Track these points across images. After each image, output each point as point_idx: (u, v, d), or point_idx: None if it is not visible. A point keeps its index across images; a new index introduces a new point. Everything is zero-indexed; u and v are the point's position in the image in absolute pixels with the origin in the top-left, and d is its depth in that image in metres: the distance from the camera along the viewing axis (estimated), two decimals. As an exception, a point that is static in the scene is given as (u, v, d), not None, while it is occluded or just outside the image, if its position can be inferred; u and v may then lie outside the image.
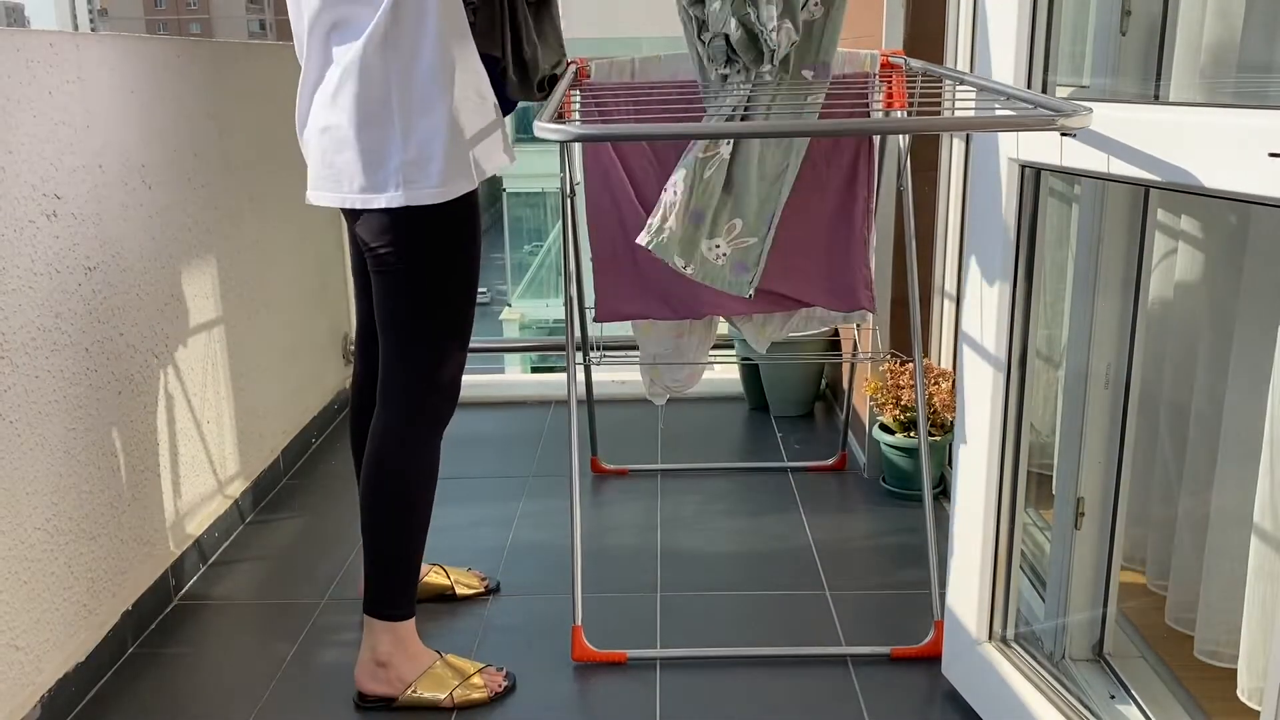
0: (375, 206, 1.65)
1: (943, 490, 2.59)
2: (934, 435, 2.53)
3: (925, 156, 2.61)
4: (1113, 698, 1.66)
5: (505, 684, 1.89)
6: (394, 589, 1.82)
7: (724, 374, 3.55)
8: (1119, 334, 1.62)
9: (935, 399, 2.50)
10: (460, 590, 2.19)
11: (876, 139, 2.27)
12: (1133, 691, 1.66)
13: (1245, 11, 1.47)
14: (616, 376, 3.50)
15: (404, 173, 1.62)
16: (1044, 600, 1.80)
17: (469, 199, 1.71)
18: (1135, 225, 1.59)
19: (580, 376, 2.79)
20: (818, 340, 3.16)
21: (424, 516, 1.83)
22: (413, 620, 1.86)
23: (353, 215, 1.73)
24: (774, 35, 1.84)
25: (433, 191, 1.64)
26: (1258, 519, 1.49)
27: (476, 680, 1.87)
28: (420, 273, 1.70)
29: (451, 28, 1.62)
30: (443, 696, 1.84)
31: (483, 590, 2.21)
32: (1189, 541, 1.75)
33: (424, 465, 1.79)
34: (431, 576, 2.18)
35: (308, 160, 1.74)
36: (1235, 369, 1.60)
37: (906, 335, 2.62)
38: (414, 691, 1.83)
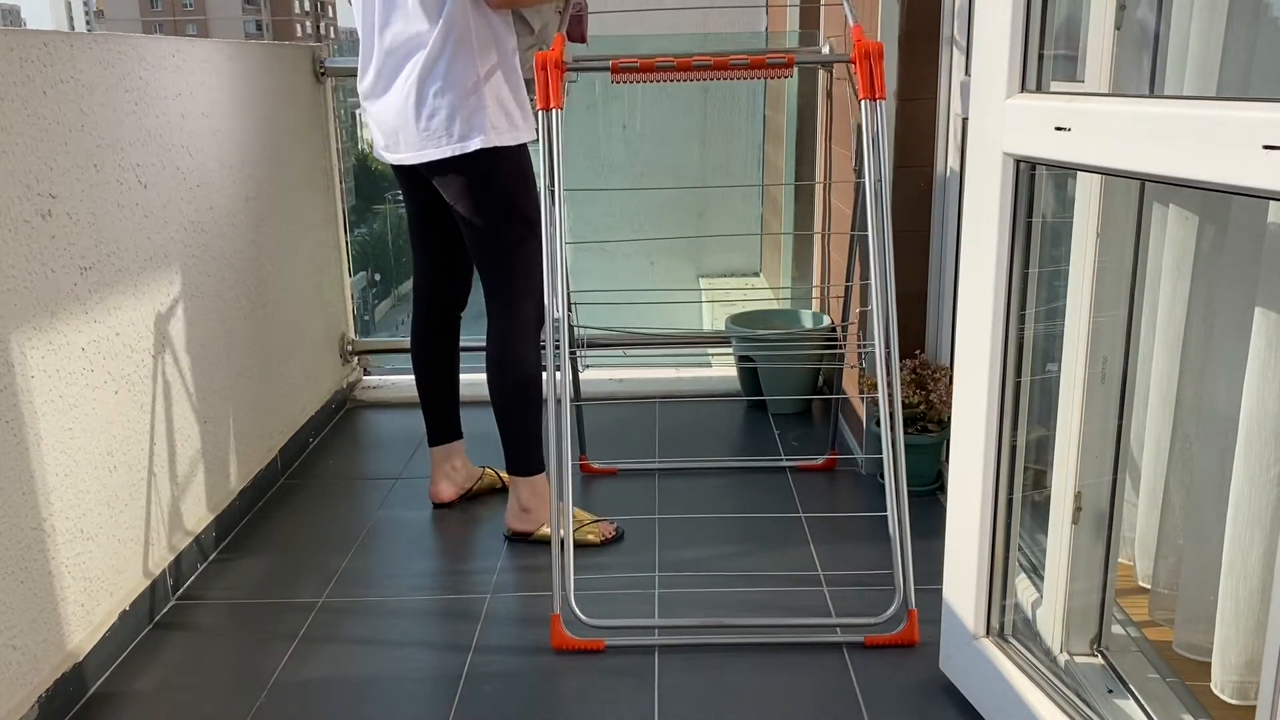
0: (508, 143, 2.15)
1: (940, 486, 2.59)
2: (932, 431, 2.53)
3: (921, 153, 2.61)
4: (1110, 692, 1.66)
5: (614, 533, 2.40)
6: (529, 450, 2.32)
7: (721, 372, 3.55)
8: (1115, 328, 1.62)
9: (933, 395, 2.51)
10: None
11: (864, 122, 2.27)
12: (1131, 686, 1.66)
13: (1232, 6, 1.47)
14: (608, 375, 3.50)
15: (521, 115, 2.18)
16: (1041, 595, 1.80)
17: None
18: (1131, 219, 1.59)
19: (569, 375, 2.80)
20: (815, 339, 3.16)
21: (539, 393, 2.30)
22: (545, 473, 2.35)
23: (452, 165, 2.15)
24: None
25: (528, 130, 2.20)
26: (1231, 516, 1.50)
27: (592, 527, 2.38)
28: (510, 196, 2.20)
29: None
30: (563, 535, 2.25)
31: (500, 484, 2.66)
32: (1169, 537, 1.75)
33: (534, 356, 2.29)
34: (486, 478, 2.68)
35: (409, 128, 2.14)
36: (1215, 363, 1.60)
37: (904, 333, 2.62)
38: (545, 529, 2.36)
